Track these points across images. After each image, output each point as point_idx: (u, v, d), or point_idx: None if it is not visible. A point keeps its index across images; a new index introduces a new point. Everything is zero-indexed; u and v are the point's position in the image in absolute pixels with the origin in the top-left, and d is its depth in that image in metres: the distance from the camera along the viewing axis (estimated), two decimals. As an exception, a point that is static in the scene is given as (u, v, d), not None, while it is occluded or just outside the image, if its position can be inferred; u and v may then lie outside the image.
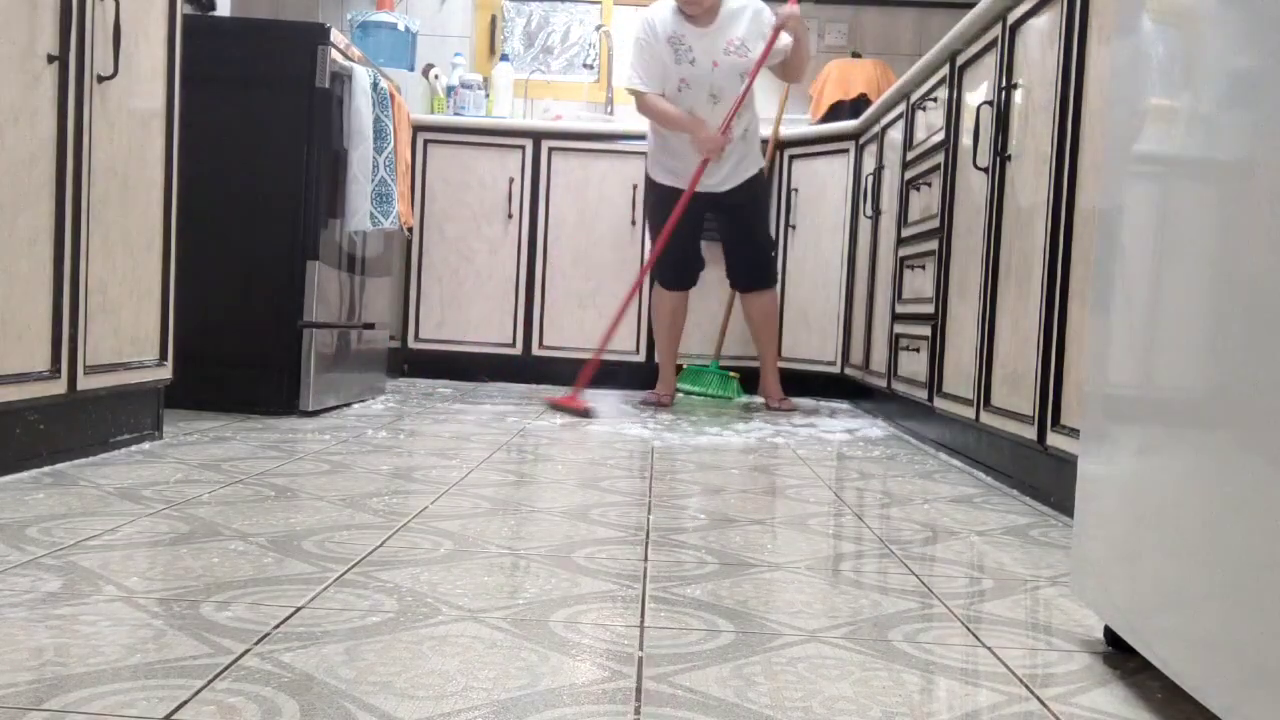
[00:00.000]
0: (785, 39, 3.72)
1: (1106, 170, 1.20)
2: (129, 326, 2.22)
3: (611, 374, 4.51)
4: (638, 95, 3.70)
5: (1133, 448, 1.07)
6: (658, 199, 3.85)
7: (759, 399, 4.18)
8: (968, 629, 1.25)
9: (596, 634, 1.16)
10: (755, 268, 3.92)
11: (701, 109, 3.70)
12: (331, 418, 2.98)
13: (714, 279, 4.44)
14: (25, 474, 1.91)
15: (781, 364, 4.43)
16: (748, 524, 1.80)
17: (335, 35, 2.97)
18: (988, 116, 2.49)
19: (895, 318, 3.30)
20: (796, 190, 4.37)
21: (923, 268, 3.02)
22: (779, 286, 4.42)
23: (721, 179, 3.79)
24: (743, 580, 1.42)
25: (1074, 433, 1.89)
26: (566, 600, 1.28)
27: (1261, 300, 0.83)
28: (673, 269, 3.89)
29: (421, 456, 2.36)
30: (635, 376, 4.42)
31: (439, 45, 5.02)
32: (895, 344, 3.27)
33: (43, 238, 1.89)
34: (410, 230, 4.21)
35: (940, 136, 2.91)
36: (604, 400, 3.99)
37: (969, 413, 2.50)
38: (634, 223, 4.42)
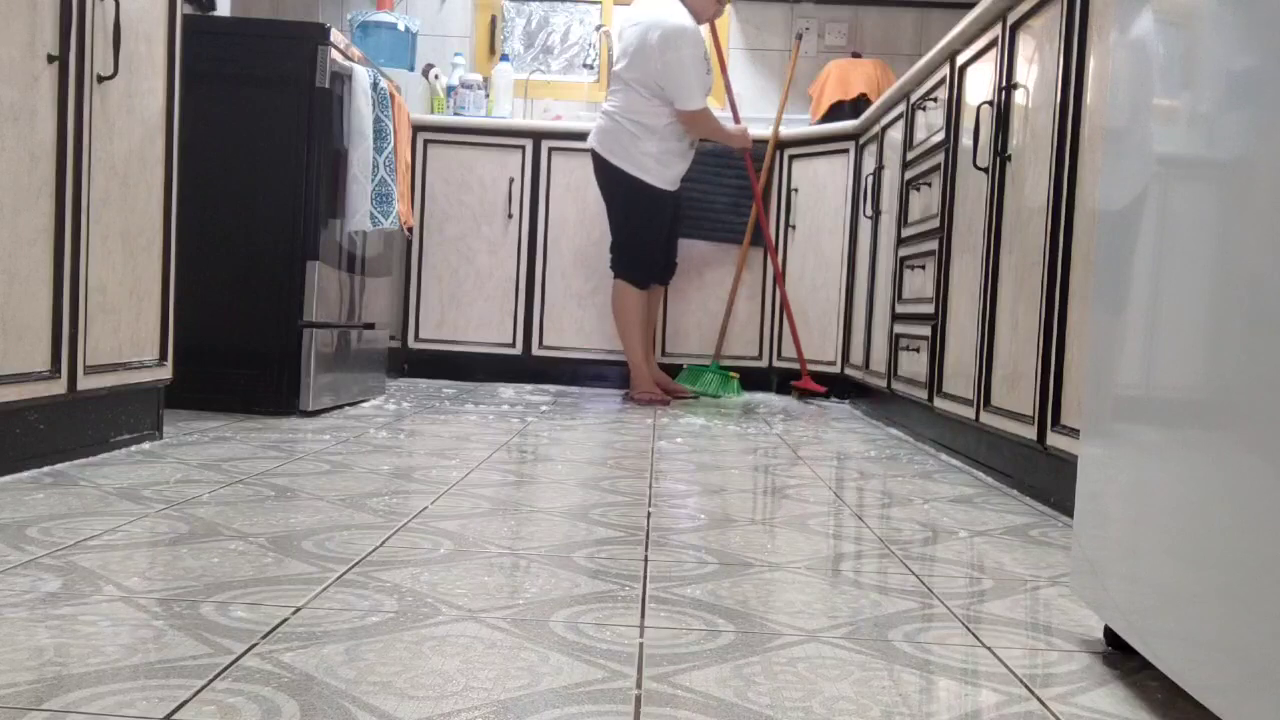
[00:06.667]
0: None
1: (1106, 170, 1.20)
2: (129, 326, 2.22)
3: (604, 374, 4.52)
4: (701, 114, 3.90)
5: (1133, 448, 1.07)
6: (658, 205, 3.98)
7: (759, 399, 4.18)
8: (968, 629, 1.25)
9: (596, 634, 1.16)
10: (673, 264, 4.20)
11: None
12: (331, 418, 2.98)
13: (714, 278, 4.45)
14: (25, 474, 1.91)
15: (782, 363, 4.44)
16: (747, 524, 1.80)
17: (335, 35, 2.97)
18: (988, 116, 2.49)
19: (895, 318, 3.30)
20: (796, 190, 4.37)
21: (923, 268, 3.02)
22: (778, 284, 4.43)
23: (680, 178, 4.07)
24: (743, 580, 1.42)
25: (1074, 433, 1.89)
26: (566, 600, 1.28)
27: (1262, 300, 0.83)
28: (653, 269, 4.05)
29: (421, 456, 2.36)
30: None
31: (439, 45, 5.02)
32: (895, 344, 3.27)
33: (43, 238, 1.89)
34: (410, 230, 4.21)
35: (940, 136, 2.91)
36: (605, 400, 3.99)
37: (969, 413, 2.50)
38: (634, 223, 4.43)
